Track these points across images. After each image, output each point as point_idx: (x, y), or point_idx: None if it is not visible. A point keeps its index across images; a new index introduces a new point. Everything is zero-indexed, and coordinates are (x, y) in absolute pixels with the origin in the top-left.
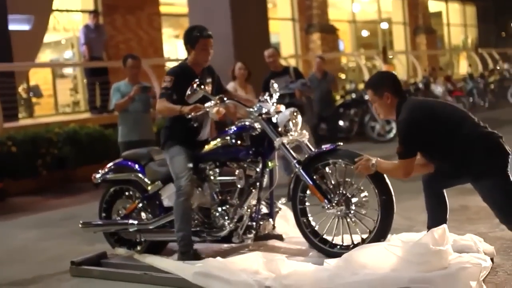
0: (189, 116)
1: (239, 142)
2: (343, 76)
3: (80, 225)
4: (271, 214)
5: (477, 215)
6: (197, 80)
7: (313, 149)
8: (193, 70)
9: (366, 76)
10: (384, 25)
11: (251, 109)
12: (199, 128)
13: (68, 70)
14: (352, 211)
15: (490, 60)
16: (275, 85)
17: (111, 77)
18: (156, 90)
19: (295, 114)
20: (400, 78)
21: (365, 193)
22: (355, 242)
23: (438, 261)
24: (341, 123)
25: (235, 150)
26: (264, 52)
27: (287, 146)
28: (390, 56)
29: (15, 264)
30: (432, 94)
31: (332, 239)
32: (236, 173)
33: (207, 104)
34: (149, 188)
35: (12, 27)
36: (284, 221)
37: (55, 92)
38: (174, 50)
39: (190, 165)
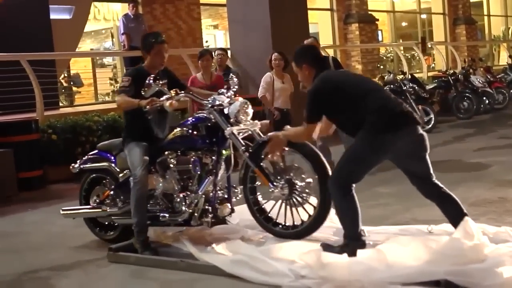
0: (146, 108)
1: (195, 132)
2: (381, 66)
3: (61, 212)
4: (229, 199)
5: None
6: (152, 75)
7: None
8: (150, 73)
9: (405, 67)
10: (424, 16)
11: (205, 102)
12: (155, 123)
13: (108, 59)
14: (295, 195)
15: None
16: (235, 79)
17: None
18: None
19: (245, 105)
20: (439, 69)
21: (310, 180)
22: (296, 223)
23: (474, 255)
24: None
25: (191, 140)
26: (303, 41)
27: (237, 135)
28: (429, 47)
29: (54, 250)
30: (472, 85)
31: (276, 219)
32: (191, 161)
33: (162, 98)
34: (120, 176)
35: (53, 16)
36: None
37: (95, 81)
38: (213, 39)
39: (146, 157)
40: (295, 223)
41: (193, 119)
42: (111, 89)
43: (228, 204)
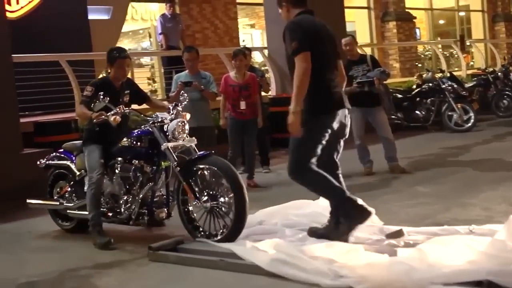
0: (94, 121)
1: (139, 143)
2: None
3: (27, 201)
4: (168, 204)
5: None
6: (101, 93)
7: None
8: (113, 84)
9: (444, 65)
10: (462, 13)
11: (149, 118)
12: (110, 130)
13: (145, 59)
14: (216, 208)
15: None
16: (185, 95)
17: None
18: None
19: (181, 124)
20: (478, 67)
21: (230, 196)
22: (213, 233)
23: None
24: (417, 112)
25: (135, 150)
26: (341, 40)
27: (171, 150)
28: (468, 44)
29: (94, 248)
30: None
31: (200, 227)
32: (132, 169)
33: (108, 113)
34: (77, 174)
35: (91, 17)
36: None
37: None
38: (250, 39)
39: (102, 160)
40: (213, 232)
41: (139, 132)
42: (149, 89)
43: (165, 209)
